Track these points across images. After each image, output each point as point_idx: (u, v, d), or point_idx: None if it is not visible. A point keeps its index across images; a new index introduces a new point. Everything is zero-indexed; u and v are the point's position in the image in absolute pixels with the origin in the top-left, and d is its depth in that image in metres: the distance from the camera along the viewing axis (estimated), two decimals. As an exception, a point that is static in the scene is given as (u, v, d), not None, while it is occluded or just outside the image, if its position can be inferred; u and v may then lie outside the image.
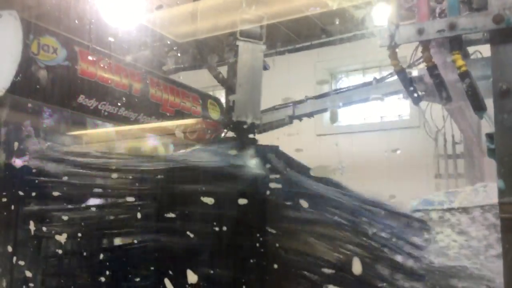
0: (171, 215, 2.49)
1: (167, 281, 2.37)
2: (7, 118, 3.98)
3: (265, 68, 3.79)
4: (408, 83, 2.45)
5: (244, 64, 3.25)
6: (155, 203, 2.61)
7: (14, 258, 2.98)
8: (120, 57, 4.44)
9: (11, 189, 3.22)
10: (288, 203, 2.42)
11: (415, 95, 2.60)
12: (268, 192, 2.45)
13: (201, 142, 4.93)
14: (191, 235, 2.42)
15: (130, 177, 2.73)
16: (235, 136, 3.27)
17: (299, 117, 4.66)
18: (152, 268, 2.61)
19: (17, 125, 4.03)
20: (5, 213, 3.09)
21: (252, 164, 2.72)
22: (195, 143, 4.87)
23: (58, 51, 3.94)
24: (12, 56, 3.65)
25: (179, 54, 4.92)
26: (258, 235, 2.34)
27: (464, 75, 2.05)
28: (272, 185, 2.46)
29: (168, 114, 4.79)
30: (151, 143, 4.49)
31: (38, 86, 3.81)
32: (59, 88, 3.97)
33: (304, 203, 2.37)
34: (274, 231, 2.37)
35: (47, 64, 3.86)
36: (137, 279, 2.61)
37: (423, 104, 4.86)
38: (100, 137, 4.28)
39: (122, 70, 4.40)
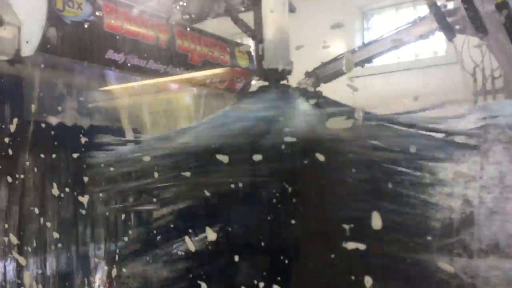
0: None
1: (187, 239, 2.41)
2: (40, 76, 4.05)
3: (292, 11, 3.67)
4: (441, 17, 2.32)
5: (268, 9, 3.15)
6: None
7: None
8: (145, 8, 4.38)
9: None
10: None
11: (449, 29, 2.47)
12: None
13: (231, 91, 4.94)
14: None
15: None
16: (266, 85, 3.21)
17: (358, 65, 4.74)
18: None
19: (50, 84, 4.10)
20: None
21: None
22: (225, 92, 4.88)
23: (82, 6, 3.92)
24: (39, 15, 3.67)
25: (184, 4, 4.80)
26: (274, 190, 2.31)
27: (501, 6, 1.93)
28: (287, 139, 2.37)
29: (196, 64, 4.75)
30: (181, 95, 4.49)
31: (66, 43, 3.83)
32: (86, 44, 3.98)
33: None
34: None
35: (73, 20, 3.86)
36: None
37: (460, 39, 4.66)
38: (131, 91, 4.32)
39: (147, 22, 4.36)
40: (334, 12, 6.40)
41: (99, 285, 3.20)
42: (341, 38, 6.40)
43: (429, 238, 2.08)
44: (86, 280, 3.43)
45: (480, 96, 5.07)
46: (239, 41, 5.83)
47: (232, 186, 2.31)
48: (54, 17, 3.71)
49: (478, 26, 2.01)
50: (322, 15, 6.07)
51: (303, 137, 2.29)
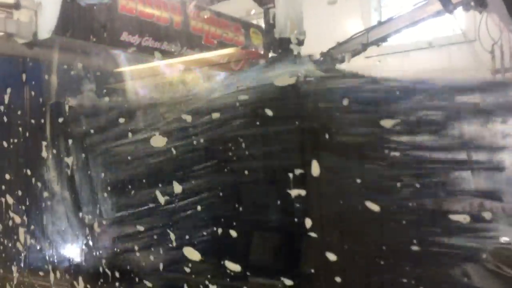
0: None
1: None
2: (58, 59, 4.12)
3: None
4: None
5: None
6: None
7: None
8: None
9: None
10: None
11: (448, 2, 2.42)
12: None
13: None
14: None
15: None
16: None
17: (374, 43, 4.71)
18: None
19: (68, 66, 4.18)
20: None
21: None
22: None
23: (97, -11, 3.97)
24: (54, -2, 3.73)
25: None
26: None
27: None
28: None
29: (210, 46, 4.78)
30: (195, 76, 4.53)
31: (81, 26, 3.90)
32: (102, 27, 4.05)
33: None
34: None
35: (88, 2, 3.91)
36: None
37: (477, 16, 4.57)
38: (146, 72, 4.37)
39: (161, 3, 4.39)
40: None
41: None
42: (357, 17, 6.35)
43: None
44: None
45: (498, 73, 4.99)
46: (254, 22, 5.82)
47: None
48: (69, 0, 3.77)
49: (477, 0, 1.97)
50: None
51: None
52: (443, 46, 5.73)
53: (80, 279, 2.94)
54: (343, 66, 5.00)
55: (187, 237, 2.45)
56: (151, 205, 2.62)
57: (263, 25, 5.58)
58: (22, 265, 3.40)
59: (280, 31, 3.02)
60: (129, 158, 2.72)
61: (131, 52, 4.16)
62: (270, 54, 3.54)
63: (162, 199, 2.49)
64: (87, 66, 4.09)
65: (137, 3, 4.20)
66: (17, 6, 3.79)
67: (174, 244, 2.46)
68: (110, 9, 4.03)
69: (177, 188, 2.47)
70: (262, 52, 5.18)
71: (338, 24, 5.94)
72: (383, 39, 4.91)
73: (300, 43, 3.08)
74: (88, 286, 2.93)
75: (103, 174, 2.91)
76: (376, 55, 6.14)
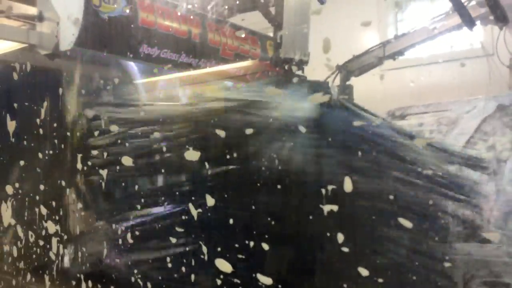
0: None
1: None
2: (79, 71, 4.20)
3: (322, 1, 3.66)
4: (460, 6, 2.30)
5: (290, -2, 3.13)
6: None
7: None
8: (176, 2, 4.48)
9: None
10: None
11: (469, 18, 2.45)
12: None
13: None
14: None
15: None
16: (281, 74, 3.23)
17: (390, 57, 4.75)
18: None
19: (88, 78, 4.25)
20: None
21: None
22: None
23: (118, 2, 4.05)
24: (76, 10, 3.81)
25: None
26: None
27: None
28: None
29: (227, 58, 4.83)
30: (210, 88, 4.57)
31: (102, 38, 3.98)
32: (122, 39, 4.12)
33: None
34: None
35: (110, 15, 3.99)
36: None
37: (496, 30, 4.56)
38: (164, 84, 4.42)
39: (180, 16, 4.46)
40: (367, 3, 6.36)
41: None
42: (374, 31, 6.36)
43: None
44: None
45: (516, 88, 4.95)
46: (270, 34, 5.86)
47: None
48: (91, 13, 3.85)
49: (498, 15, 1.98)
50: (354, 7, 6.04)
51: None
52: (461, 59, 5.72)
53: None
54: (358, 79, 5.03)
55: (219, 249, 2.46)
56: (184, 217, 2.62)
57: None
58: (54, 274, 3.41)
59: (285, 51, 3.12)
60: (162, 170, 2.76)
61: (151, 65, 4.22)
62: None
63: (194, 212, 2.50)
64: (106, 77, 4.17)
65: (157, 16, 4.27)
66: (40, 18, 3.88)
67: (206, 256, 2.46)
68: (131, 22, 4.10)
69: (210, 201, 2.48)
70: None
71: (354, 38, 5.96)
72: (400, 52, 4.94)
73: (303, 63, 3.18)
74: None
75: (136, 187, 2.94)
76: (391, 68, 6.16)
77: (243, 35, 4.74)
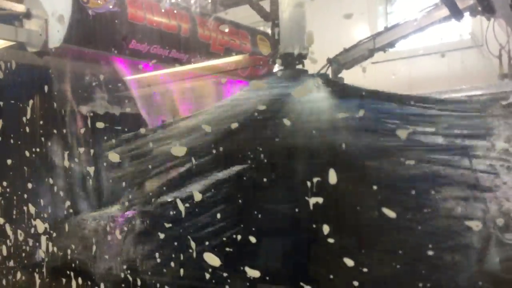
0: None
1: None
2: (68, 68, 4.17)
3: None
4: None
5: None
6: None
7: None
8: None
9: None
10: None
11: (456, 9, 2.45)
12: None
13: (254, 78, 4.97)
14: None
15: None
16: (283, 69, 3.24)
17: (380, 49, 4.74)
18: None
19: (79, 74, 4.23)
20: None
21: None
22: (248, 80, 4.91)
23: (106, -2, 4.02)
24: (64, 7, 3.78)
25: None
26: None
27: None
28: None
29: (217, 53, 4.82)
30: (203, 83, 4.56)
31: (91, 34, 3.95)
32: (111, 35, 4.09)
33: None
34: None
35: (98, 11, 3.96)
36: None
37: (485, 21, 4.57)
38: (154, 81, 4.41)
39: (169, 12, 4.44)
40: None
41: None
42: (364, 23, 6.36)
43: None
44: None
45: (506, 78, 4.97)
46: (261, 28, 5.86)
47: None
48: (79, 9, 3.82)
49: (485, 6, 1.99)
50: (345, 0, 6.05)
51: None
52: (451, 51, 5.73)
53: (102, 285, 2.97)
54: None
55: (207, 243, 2.48)
56: (172, 212, 2.64)
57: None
58: (44, 271, 3.40)
59: (284, 47, 3.13)
60: (149, 167, 2.75)
61: (141, 61, 4.20)
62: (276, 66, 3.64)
63: (182, 207, 2.50)
64: (97, 74, 4.15)
65: (146, 11, 4.25)
66: (27, 16, 3.85)
67: (194, 250, 2.47)
68: (119, 17, 4.07)
69: (197, 196, 2.49)
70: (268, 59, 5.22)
71: (345, 31, 5.96)
72: (390, 44, 4.92)
73: (304, 57, 3.20)
74: None
75: (124, 183, 2.92)
76: (383, 60, 6.16)
77: (226, 30, 4.73)
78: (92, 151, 3.48)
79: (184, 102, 4.50)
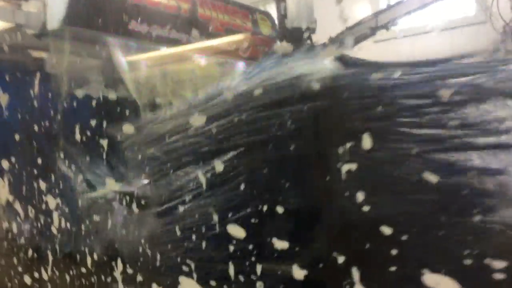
0: None
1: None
2: (68, 49, 4.13)
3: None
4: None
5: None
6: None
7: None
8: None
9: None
10: None
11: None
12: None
13: (255, 59, 4.91)
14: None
15: None
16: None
17: (383, 27, 4.68)
18: None
19: (77, 56, 4.19)
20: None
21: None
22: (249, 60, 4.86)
23: (105, -23, 3.97)
24: (62, -13, 3.73)
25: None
26: None
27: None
28: None
29: (218, 33, 4.76)
30: (203, 64, 4.52)
31: (90, 16, 3.90)
32: (110, 16, 4.05)
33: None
34: None
35: (96, -8, 3.91)
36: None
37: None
38: (154, 61, 4.37)
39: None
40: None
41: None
42: (366, 1, 6.29)
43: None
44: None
45: (511, 54, 4.92)
46: (261, 7, 5.79)
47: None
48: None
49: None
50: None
51: None
52: (456, 28, 5.66)
53: (119, 260, 2.88)
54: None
55: (230, 215, 2.36)
56: (192, 185, 2.53)
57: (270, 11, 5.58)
58: (57, 249, 3.37)
59: (291, 21, 3.06)
60: (166, 137, 2.61)
61: (140, 42, 4.15)
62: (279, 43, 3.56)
63: (203, 179, 2.41)
64: (95, 56, 4.11)
65: (145, -9, 4.20)
66: (25, -3, 3.81)
67: (217, 222, 2.38)
68: (118, -3, 4.03)
69: (219, 166, 2.40)
70: (270, 39, 5.16)
71: (347, 9, 5.87)
72: (393, 22, 4.86)
73: (312, 31, 3.13)
74: (128, 267, 2.86)
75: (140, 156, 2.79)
76: (385, 39, 6.10)
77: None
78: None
79: (183, 84, 4.46)
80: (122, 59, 4.11)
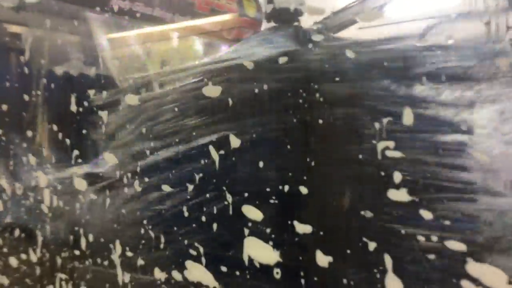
0: None
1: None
2: (46, 25, 4.01)
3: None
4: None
5: None
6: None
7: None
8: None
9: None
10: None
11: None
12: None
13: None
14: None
15: None
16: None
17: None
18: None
19: (55, 32, 4.07)
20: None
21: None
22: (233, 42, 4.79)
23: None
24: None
25: None
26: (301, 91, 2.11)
27: None
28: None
29: (202, 13, 4.68)
30: (187, 43, 4.44)
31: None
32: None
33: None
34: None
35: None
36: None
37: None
38: (137, 39, 4.27)
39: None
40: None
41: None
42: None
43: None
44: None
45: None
46: (247, -11, 5.69)
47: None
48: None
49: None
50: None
51: None
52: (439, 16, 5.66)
53: (117, 242, 2.66)
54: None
55: (246, 195, 2.18)
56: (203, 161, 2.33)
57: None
58: (47, 228, 3.16)
59: (279, 2, 2.99)
60: (176, 109, 2.42)
61: (122, 19, 4.05)
62: (265, 24, 3.50)
63: (216, 155, 2.24)
64: (74, 32, 3.99)
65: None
66: (1, -33, 3.67)
67: (231, 203, 2.20)
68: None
69: (234, 142, 2.21)
70: (255, 21, 5.08)
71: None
72: (379, 8, 4.84)
73: (300, 13, 3.06)
74: (127, 249, 2.64)
75: (144, 129, 2.59)
76: (370, 26, 6.07)
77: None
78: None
79: (165, 63, 4.38)
80: (102, 37, 4.00)
